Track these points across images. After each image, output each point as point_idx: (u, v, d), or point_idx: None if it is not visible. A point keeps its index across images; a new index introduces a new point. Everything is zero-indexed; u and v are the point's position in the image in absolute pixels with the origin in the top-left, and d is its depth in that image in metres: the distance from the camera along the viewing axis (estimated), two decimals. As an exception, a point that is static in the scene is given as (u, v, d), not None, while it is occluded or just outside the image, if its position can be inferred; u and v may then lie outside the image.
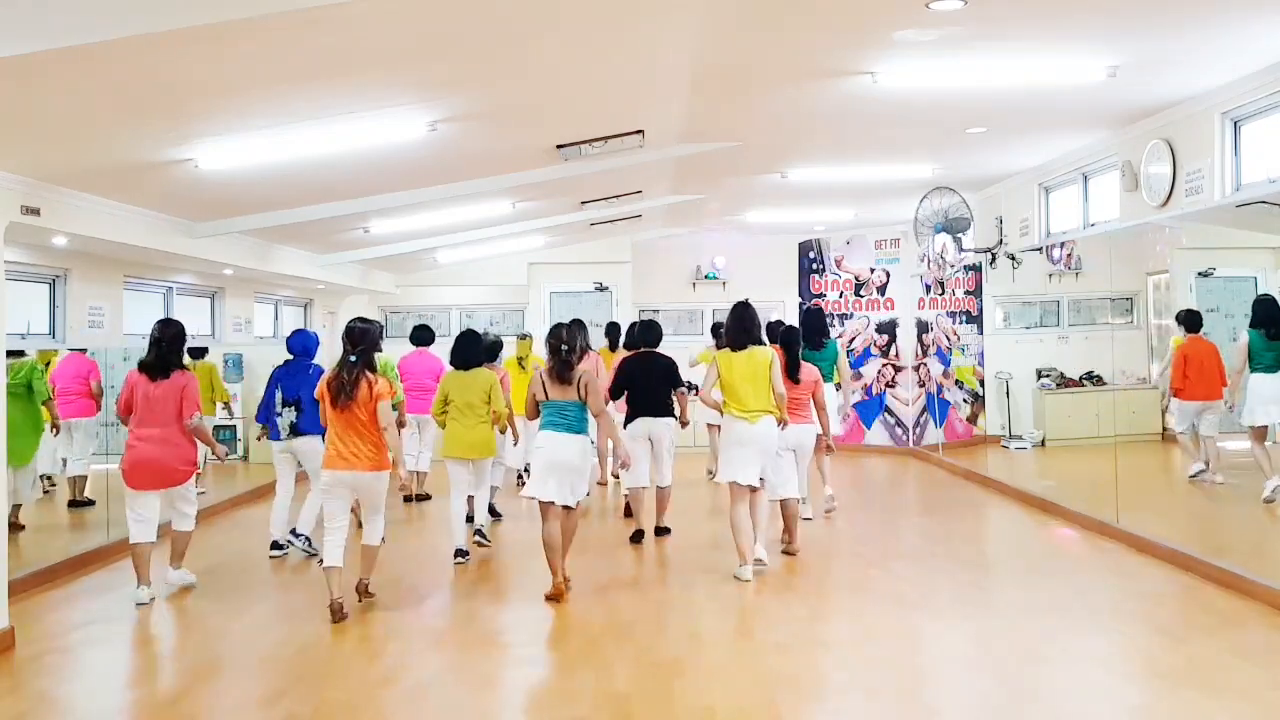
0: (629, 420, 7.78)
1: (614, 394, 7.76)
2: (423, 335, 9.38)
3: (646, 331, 8.03)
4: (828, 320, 9.63)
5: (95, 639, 5.46)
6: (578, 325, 8.99)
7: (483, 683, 4.79)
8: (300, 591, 6.48)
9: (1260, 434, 7.44)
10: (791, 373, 7.20)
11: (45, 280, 7.85)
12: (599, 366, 9.30)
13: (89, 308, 8.19)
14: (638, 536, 7.61)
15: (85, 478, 8.26)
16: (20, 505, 7.47)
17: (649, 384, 7.73)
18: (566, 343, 6.12)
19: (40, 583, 6.39)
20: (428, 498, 9.46)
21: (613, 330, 10.72)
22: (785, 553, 6.95)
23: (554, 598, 5.93)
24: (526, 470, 9.94)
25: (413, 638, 5.38)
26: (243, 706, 4.44)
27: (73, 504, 8.36)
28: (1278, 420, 7.40)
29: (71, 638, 5.49)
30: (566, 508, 6.07)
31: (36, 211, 5.85)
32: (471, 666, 5.04)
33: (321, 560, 5.89)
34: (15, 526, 7.47)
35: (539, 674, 4.93)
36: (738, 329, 6.56)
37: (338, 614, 5.57)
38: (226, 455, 6.66)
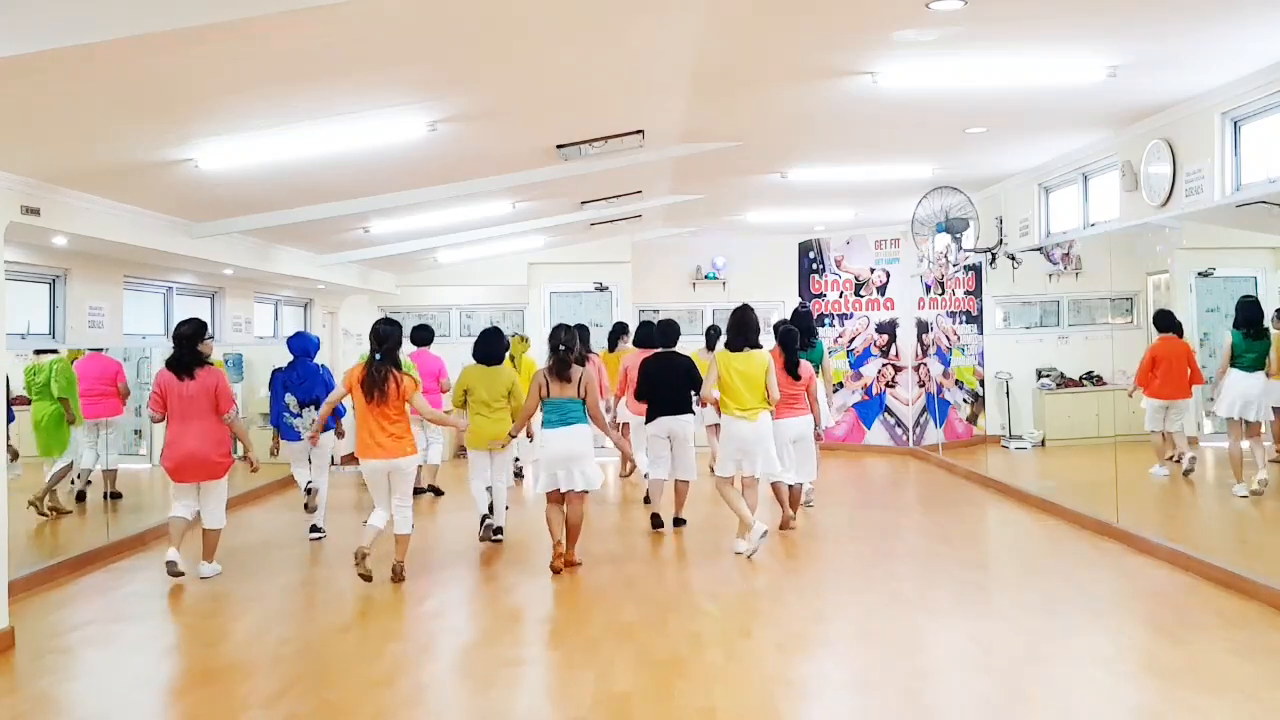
0: (650, 419, 7.89)
1: (639, 395, 7.96)
2: (423, 335, 9.45)
3: (666, 331, 8.12)
4: (814, 321, 9.80)
5: (95, 639, 5.46)
6: (581, 330, 9.09)
7: (483, 683, 4.79)
8: (300, 592, 6.48)
9: (1237, 430, 7.56)
10: (791, 370, 7.47)
11: (45, 280, 7.85)
12: (601, 370, 9.30)
13: (89, 308, 8.19)
14: (657, 522, 7.87)
15: (115, 471, 8.54)
16: (54, 491, 7.97)
17: (670, 383, 7.80)
18: (564, 343, 6.59)
19: (40, 583, 6.39)
20: (440, 492, 9.58)
21: (618, 330, 10.60)
22: (783, 527, 7.53)
23: (555, 569, 6.47)
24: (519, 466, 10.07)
25: (413, 638, 5.38)
26: (243, 706, 4.44)
27: (109, 496, 8.54)
28: (1248, 417, 7.50)
29: (71, 638, 5.49)
30: (573, 493, 6.54)
31: (36, 211, 5.85)
32: (471, 666, 5.04)
33: (366, 522, 6.40)
34: (59, 511, 8.06)
35: (539, 674, 4.93)
36: (735, 332, 6.96)
37: (362, 563, 6.14)
38: (257, 466, 6.90)
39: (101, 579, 6.71)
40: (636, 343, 9.30)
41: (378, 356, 6.25)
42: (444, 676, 4.89)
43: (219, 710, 4.44)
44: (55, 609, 6.02)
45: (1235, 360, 7.60)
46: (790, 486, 7.61)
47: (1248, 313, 7.63)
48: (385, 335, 6.32)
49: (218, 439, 6.52)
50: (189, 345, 6.52)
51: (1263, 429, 7.56)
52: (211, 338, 6.53)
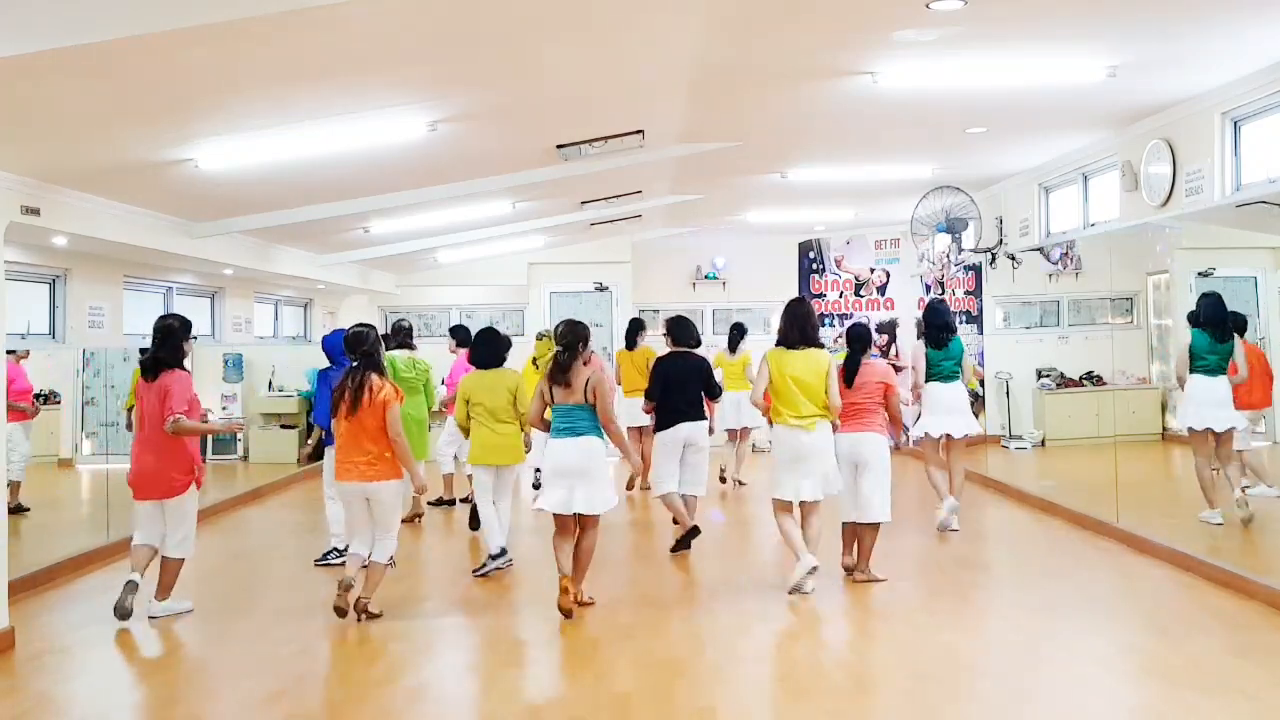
0: (660, 426, 7.23)
1: (649, 395, 7.35)
2: (464, 336, 8.50)
3: (681, 330, 7.47)
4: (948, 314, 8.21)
5: (95, 639, 5.45)
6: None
7: (483, 683, 4.79)
8: (300, 591, 6.48)
9: (1202, 442, 6.94)
10: (849, 378, 6.16)
11: (45, 280, 7.85)
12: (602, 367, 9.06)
13: (89, 308, 8.19)
14: (683, 542, 7.05)
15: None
16: None
17: (684, 385, 7.20)
18: (562, 341, 5.73)
19: (40, 583, 6.39)
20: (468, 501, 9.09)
21: (635, 328, 9.89)
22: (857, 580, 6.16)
23: (565, 612, 5.49)
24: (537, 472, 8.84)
25: (413, 638, 5.37)
26: (243, 706, 4.44)
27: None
28: (1215, 426, 6.93)
29: (71, 638, 5.49)
30: (582, 516, 5.60)
31: (36, 211, 5.84)
32: (472, 667, 5.04)
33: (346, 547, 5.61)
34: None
35: (539, 674, 4.93)
36: (790, 325, 5.99)
37: (344, 595, 5.40)
38: (238, 429, 5.85)
39: (101, 579, 6.70)
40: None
41: (354, 363, 5.64)
42: (444, 676, 4.88)
43: (220, 710, 4.44)
44: (55, 609, 6.02)
45: (1194, 362, 7.02)
46: (862, 526, 6.15)
47: (1214, 311, 7.05)
48: (358, 339, 5.70)
49: (174, 454, 5.65)
50: (163, 343, 5.72)
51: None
52: (194, 338, 5.78)
